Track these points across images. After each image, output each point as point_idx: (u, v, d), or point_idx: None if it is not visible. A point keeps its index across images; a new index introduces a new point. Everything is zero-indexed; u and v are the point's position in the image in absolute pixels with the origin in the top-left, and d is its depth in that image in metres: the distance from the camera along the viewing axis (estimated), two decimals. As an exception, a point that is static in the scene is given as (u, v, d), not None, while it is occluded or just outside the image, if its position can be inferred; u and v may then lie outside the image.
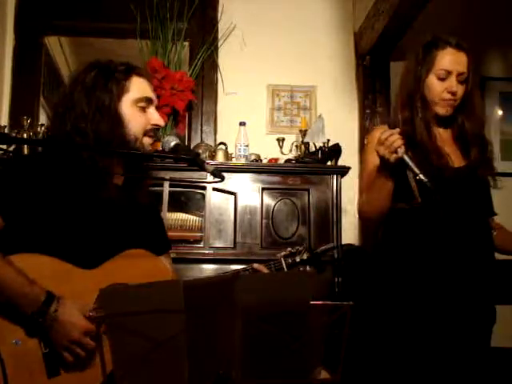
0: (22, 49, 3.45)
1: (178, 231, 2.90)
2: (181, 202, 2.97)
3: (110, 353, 1.07)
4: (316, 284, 1.24)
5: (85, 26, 3.57)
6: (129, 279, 1.43)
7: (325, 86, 3.53)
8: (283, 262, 1.83)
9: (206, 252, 2.88)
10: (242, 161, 3.06)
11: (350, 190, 3.12)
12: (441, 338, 1.93)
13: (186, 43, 3.48)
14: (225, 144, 3.18)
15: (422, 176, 1.81)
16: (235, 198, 2.95)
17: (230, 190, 2.95)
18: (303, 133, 3.23)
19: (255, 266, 1.78)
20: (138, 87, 1.71)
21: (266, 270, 1.78)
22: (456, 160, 2.04)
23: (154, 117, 1.70)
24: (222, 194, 2.95)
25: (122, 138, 1.64)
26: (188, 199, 2.98)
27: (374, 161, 2.00)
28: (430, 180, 1.80)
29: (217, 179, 1.54)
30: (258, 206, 2.95)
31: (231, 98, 3.49)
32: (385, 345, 2.01)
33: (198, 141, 3.38)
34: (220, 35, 3.50)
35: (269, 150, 3.25)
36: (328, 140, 3.15)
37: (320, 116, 3.29)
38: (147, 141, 1.69)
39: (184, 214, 2.95)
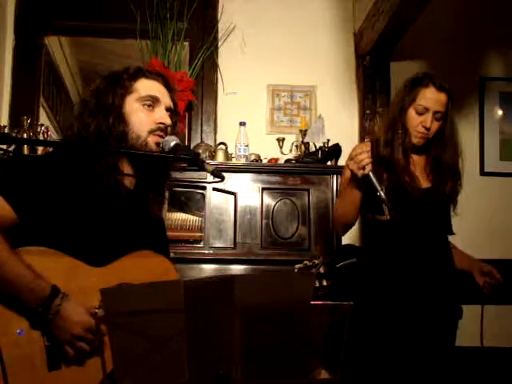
0: (22, 49, 3.44)
1: (178, 231, 2.90)
2: (181, 202, 2.97)
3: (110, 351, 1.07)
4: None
5: (85, 26, 3.57)
6: (136, 278, 1.44)
7: (325, 86, 3.52)
8: None
9: (206, 252, 2.88)
10: (242, 161, 3.06)
11: (349, 190, 3.12)
12: (412, 331, 2.17)
13: (186, 43, 3.48)
14: (225, 144, 3.18)
15: (381, 193, 2.07)
16: (235, 197, 2.95)
17: (229, 189, 2.95)
18: (303, 133, 3.23)
19: None
20: (145, 87, 1.72)
21: None
22: (423, 182, 2.28)
23: (159, 115, 1.71)
24: (222, 193, 2.95)
25: (124, 135, 1.66)
26: (188, 199, 2.98)
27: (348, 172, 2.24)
28: (388, 198, 2.08)
29: (217, 179, 1.54)
30: (258, 206, 2.95)
31: (231, 98, 3.49)
32: (363, 341, 2.19)
33: (198, 141, 3.38)
34: (220, 35, 3.50)
35: (269, 150, 3.25)
36: (328, 140, 3.15)
37: (320, 116, 3.29)
38: (153, 139, 1.69)
39: (184, 214, 2.95)
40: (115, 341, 1.08)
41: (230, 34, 3.50)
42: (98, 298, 1.52)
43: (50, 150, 2.17)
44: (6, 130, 3.13)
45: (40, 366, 1.48)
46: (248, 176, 2.99)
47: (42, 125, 3.14)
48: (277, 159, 3.19)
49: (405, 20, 3.03)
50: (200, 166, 1.56)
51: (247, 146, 3.09)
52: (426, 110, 2.20)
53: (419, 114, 2.21)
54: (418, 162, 2.31)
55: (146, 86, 1.73)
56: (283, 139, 3.29)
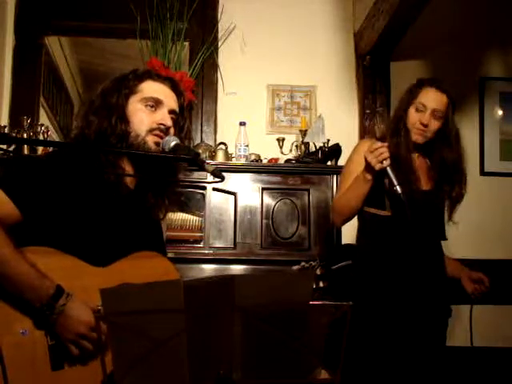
0: (22, 49, 3.45)
1: (178, 231, 2.90)
2: (181, 202, 2.97)
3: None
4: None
5: (85, 26, 3.57)
6: (139, 278, 1.44)
7: (325, 86, 3.53)
8: None
9: (206, 252, 2.88)
10: (242, 161, 3.06)
11: (349, 190, 3.12)
12: (405, 330, 2.21)
13: (186, 43, 3.48)
14: (225, 144, 3.18)
15: (398, 188, 2.09)
16: (235, 198, 2.95)
17: (229, 190, 2.95)
18: (303, 133, 3.24)
19: None
20: (149, 89, 1.72)
21: None
22: (425, 184, 2.32)
23: (160, 116, 1.71)
24: (222, 193, 2.96)
25: (125, 134, 1.66)
26: (188, 199, 2.98)
27: (357, 166, 2.27)
28: (404, 194, 2.09)
29: (217, 179, 1.54)
30: (258, 205, 2.95)
31: (231, 98, 3.49)
32: (357, 341, 2.20)
33: (198, 141, 3.38)
34: (220, 35, 3.51)
35: (269, 150, 3.25)
36: (328, 140, 3.15)
37: (320, 116, 3.29)
38: (151, 139, 1.69)
39: (184, 214, 2.95)
40: (115, 341, 1.08)
41: (230, 34, 3.51)
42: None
43: (50, 149, 2.18)
44: (6, 130, 3.14)
45: (43, 365, 1.48)
46: (248, 176, 2.99)
47: (42, 125, 3.14)
48: (277, 159, 3.19)
49: (405, 20, 3.03)
50: (200, 166, 1.56)
51: (247, 145, 3.09)
52: (425, 107, 2.27)
53: (418, 111, 2.28)
54: (421, 163, 2.35)
55: (151, 88, 1.73)
56: (283, 139, 3.29)
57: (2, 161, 2.71)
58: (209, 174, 1.58)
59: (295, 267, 1.84)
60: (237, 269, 2.83)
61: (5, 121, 3.35)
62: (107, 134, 1.65)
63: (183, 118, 1.81)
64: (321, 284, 1.81)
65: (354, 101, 3.54)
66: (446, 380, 2.33)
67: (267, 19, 3.53)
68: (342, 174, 2.44)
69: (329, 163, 3.09)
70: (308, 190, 2.98)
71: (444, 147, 2.32)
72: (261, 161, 3.15)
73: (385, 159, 2.12)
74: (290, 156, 3.24)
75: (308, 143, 3.23)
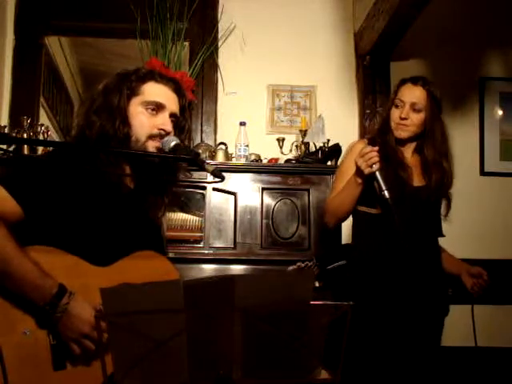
0: (22, 49, 3.45)
1: (178, 231, 2.90)
2: (181, 202, 2.97)
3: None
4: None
5: (85, 26, 3.57)
6: (140, 278, 1.44)
7: (325, 86, 3.52)
8: None
9: (206, 252, 2.88)
10: (242, 161, 3.06)
11: (349, 190, 3.12)
12: (401, 328, 2.22)
13: (186, 43, 3.48)
14: (225, 144, 3.18)
15: (386, 193, 2.13)
16: (235, 198, 2.95)
17: (229, 189, 2.95)
18: (303, 133, 3.23)
19: None
20: (151, 91, 1.72)
21: None
22: (417, 181, 2.33)
23: (161, 121, 1.70)
24: (222, 194, 2.96)
25: (127, 138, 1.66)
26: (188, 199, 2.98)
27: (347, 168, 2.31)
28: (391, 199, 2.12)
29: (217, 179, 1.54)
30: (258, 205, 2.95)
31: (231, 98, 3.49)
32: (354, 340, 2.20)
33: (198, 141, 3.38)
34: (220, 35, 3.50)
35: (269, 150, 3.25)
36: (328, 140, 3.15)
37: (320, 116, 3.29)
38: (152, 144, 1.69)
39: (184, 214, 2.95)
40: (115, 341, 1.08)
41: (230, 34, 3.51)
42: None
43: (51, 149, 2.18)
44: (6, 130, 3.14)
45: (45, 365, 1.48)
46: (248, 176, 2.99)
47: (42, 125, 3.14)
48: (277, 159, 3.19)
49: (405, 20, 3.03)
50: (200, 166, 1.56)
51: (247, 145, 3.09)
52: (402, 102, 2.32)
53: (397, 106, 2.33)
54: (415, 160, 2.37)
55: (153, 91, 1.72)
56: (283, 139, 3.29)
57: (2, 161, 2.71)
58: (209, 174, 1.58)
59: (291, 267, 1.84)
60: (237, 269, 2.83)
61: (5, 121, 3.35)
62: (109, 136, 1.65)
63: (184, 119, 1.81)
64: (316, 284, 1.82)
65: (354, 101, 3.54)
66: (440, 379, 2.33)
67: (267, 19, 3.53)
68: (335, 174, 2.46)
69: (329, 163, 3.09)
70: (308, 190, 2.98)
71: (426, 143, 2.34)
72: (261, 161, 3.15)
73: (374, 163, 2.15)
74: (290, 156, 3.24)
75: (308, 143, 3.23)
